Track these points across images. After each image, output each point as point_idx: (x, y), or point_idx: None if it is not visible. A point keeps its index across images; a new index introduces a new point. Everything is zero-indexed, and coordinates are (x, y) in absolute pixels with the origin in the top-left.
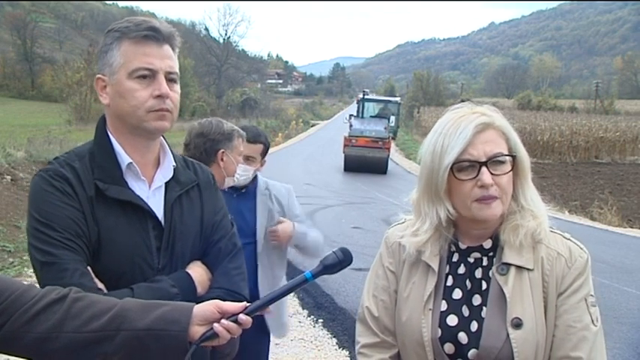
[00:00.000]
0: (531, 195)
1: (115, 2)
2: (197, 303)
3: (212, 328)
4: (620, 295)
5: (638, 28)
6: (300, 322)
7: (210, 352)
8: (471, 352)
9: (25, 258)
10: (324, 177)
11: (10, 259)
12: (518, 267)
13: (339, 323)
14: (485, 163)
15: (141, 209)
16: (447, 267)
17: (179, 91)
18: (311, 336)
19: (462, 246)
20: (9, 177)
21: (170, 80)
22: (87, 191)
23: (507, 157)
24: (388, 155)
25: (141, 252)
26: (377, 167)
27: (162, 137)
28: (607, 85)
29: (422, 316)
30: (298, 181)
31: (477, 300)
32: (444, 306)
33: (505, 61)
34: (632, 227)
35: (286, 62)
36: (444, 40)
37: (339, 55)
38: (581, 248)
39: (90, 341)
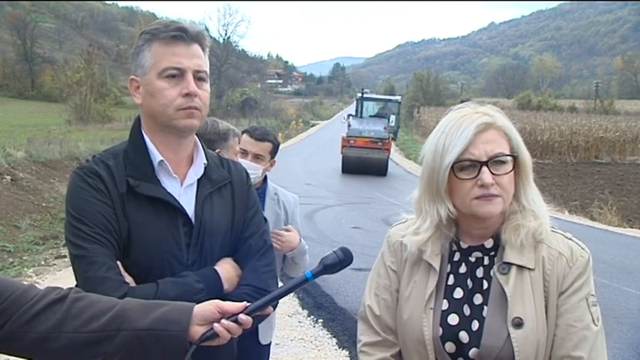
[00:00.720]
0: (533, 195)
1: (115, 2)
2: (225, 300)
3: (212, 328)
4: (620, 295)
5: (638, 28)
6: (300, 322)
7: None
8: (472, 351)
9: (24, 258)
10: (324, 177)
11: (10, 259)
12: (520, 266)
13: (339, 323)
14: (486, 163)
15: (171, 206)
16: (449, 266)
17: (208, 89)
18: (311, 336)
19: (464, 245)
20: (9, 177)
21: (199, 79)
22: (119, 188)
23: (509, 157)
24: (388, 156)
25: (170, 248)
26: (376, 169)
27: (195, 136)
28: (607, 85)
29: (423, 314)
30: (298, 181)
31: (478, 299)
32: (445, 305)
33: (505, 61)
34: (632, 227)
35: (286, 62)
36: (444, 40)
37: (339, 55)
38: (582, 248)
39: (90, 341)
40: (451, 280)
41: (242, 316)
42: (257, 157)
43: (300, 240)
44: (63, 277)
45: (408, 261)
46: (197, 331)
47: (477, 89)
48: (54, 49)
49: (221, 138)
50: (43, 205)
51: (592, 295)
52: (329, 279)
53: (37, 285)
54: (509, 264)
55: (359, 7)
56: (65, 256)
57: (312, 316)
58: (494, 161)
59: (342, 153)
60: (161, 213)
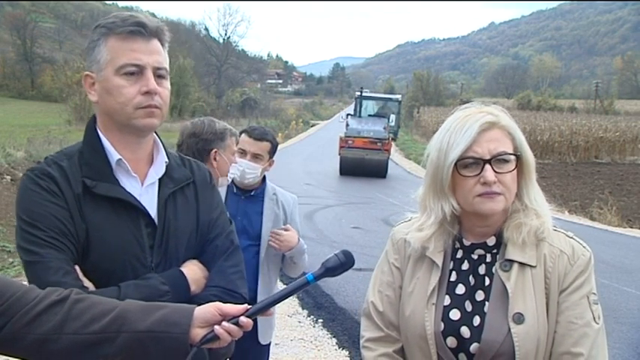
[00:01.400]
0: (535, 195)
1: (114, 2)
2: (192, 302)
3: (213, 331)
4: (620, 295)
5: (638, 28)
6: (299, 322)
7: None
8: (473, 346)
9: None
10: (324, 177)
11: (10, 259)
12: (521, 264)
13: (339, 323)
14: (489, 161)
15: (132, 206)
16: (451, 263)
17: (169, 87)
18: (311, 336)
19: (466, 242)
20: (9, 177)
21: (159, 76)
22: (74, 189)
23: (512, 156)
24: (388, 158)
25: (132, 250)
26: (375, 170)
27: (155, 134)
28: (607, 85)
29: (425, 310)
30: (298, 181)
31: (480, 295)
32: (447, 301)
33: (505, 61)
34: (632, 227)
35: (286, 62)
36: (444, 40)
37: (339, 55)
38: (583, 247)
39: (90, 343)
40: (453, 277)
41: (243, 319)
42: (256, 157)
43: (299, 239)
44: None
45: (412, 258)
46: (198, 333)
47: (477, 89)
48: (54, 49)
49: (218, 138)
50: None
51: (593, 293)
52: (329, 279)
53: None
54: (511, 261)
55: (359, 7)
56: None
57: (312, 316)
58: (497, 159)
59: (339, 154)
60: (121, 214)
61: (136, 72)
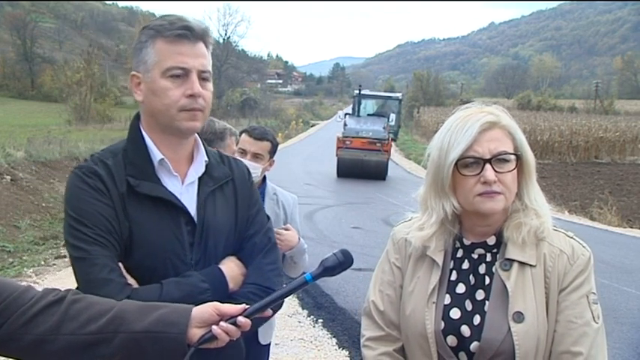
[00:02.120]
0: (535, 195)
1: (114, 2)
2: (230, 299)
3: (211, 331)
4: (620, 295)
5: (638, 28)
6: (299, 322)
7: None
8: (473, 345)
9: (24, 258)
10: (324, 177)
11: (10, 259)
12: (521, 263)
13: (339, 323)
14: (489, 161)
15: (173, 205)
16: (452, 262)
17: (211, 89)
18: (311, 336)
19: (467, 242)
20: (9, 177)
21: (203, 79)
22: (119, 187)
23: (512, 156)
24: (388, 159)
25: (173, 248)
26: (375, 172)
27: (195, 134)
28: (607, 85)
29: (425, 309)
30: (298, 181)
31: (480, 295)
32: (447, 300)
33: (505, 61)
34: (632, 227)
35: (286, 62)
36: (443, 40)
37: (339, 55)
38: (583, 246)
39: (87, 343)
40: (454, 276)
41: (241, 319)
42: (256, 157)
43: (299, 239)
44: (63, 278)
45: (412, 257)
46: (195, 333)
47: (477, 89)
48: (54, 49)
49: (218, 137)
50: (43, 205)
51: (593, 292)
52: (329, 279)
53: (36, 285)
54: (511, 260)
55: (359, 7)
56: (65, 256)
57: (312, 316)
58: (497, 159)
59: (337, 155)
60: (163, 212)
61: (181, 75)
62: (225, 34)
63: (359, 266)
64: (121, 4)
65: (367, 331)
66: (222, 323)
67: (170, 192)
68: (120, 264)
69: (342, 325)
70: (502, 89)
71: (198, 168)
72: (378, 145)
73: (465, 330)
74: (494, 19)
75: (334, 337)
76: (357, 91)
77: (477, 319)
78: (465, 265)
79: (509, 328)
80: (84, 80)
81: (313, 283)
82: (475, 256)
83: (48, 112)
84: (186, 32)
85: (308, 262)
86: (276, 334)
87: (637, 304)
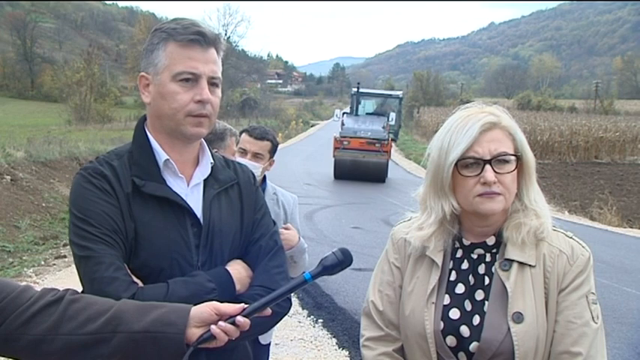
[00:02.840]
0: (535, 195)
1: (114, 2)
2: (237, 300)
3: (209, 330)
4: (620, 295)
5: (637, 28)
6: (299, 322)
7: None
8: (473, 345)
9: (24, 258)
10: (324, 177)
11: (10, 259)
12: (521, 263)
13: (339, 323)
14: (489, 161)
15: (178, 206)
16: (451, 262)
17: (220, 95)
18: (311, 336)
19: (466, 242)
20: (9, 177)
21: (212, 85)
22: (124, 188)
23: (512, 157)
24: (388, 160)
25: (179, 248)
26: (374, 174)
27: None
28: (607, 85)
29: (425, 309)
30: (298, 181)
31: (479, 295)
32: (446, 300)
33: (505, 61)
34: (632, 227)
35: (286, 62)
36: (443, 40)
37: (339, 55)
38: (583, 247)
39: (86, 343)
40: (453, 276)
41: (239, 318)
42: (256, 156)
43: (299, 239)
44: (63, 277)
45: (412, 257)
46: (194, 333)
47: (477, 89)
48: (54, 49)
49: (218, 138)
50: (43, 205)
51: (592, 293)
52: (329, 279)
53: (36, 285)
54: (511, 260)
55: (359, 7)
56: (65, 256)
57: (312, 316)
58: (497, 160)
59: (334, 156)
60: (168, 213)
61: (191, 79)
62: (225, 34)
63: (359, 266)
64: (121, 4)
65: (367, 331)
66: (220, 323)
67: (176, 192)
68: (125, 264)
69: (342, 325)
70: (502, 89)
71: (203, 170)
72: (377, 145)
73: (465, 330)
74: (494, 19)
75: (334, 337)
76: (356, 89)
77: (476, 320)
78: (465, 266)
79: (509, 329)
80: (84, 80)
81: (313, 283)
82: (475, 256)
83: (48, 112)
84: (199, 37)
85: (308, 262)
86: (276, 334)
87: (637, 304)
